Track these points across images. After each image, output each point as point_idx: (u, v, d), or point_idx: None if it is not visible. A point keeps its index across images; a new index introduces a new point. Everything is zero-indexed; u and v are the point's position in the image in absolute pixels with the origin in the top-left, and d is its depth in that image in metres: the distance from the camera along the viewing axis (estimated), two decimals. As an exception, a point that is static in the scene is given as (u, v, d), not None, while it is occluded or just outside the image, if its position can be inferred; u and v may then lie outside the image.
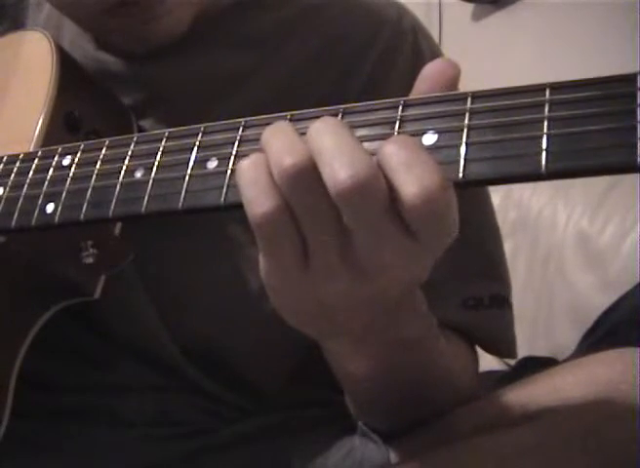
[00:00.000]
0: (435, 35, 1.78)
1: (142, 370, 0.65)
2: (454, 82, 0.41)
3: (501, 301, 0.67)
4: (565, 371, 0.56)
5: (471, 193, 0.66)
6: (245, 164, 0.40)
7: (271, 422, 0.68)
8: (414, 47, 0.68)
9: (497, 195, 1.46)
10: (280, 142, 0.39)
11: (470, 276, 0.66)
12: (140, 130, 0.64)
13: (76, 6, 0.62)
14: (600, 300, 1.00)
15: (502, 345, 0.69)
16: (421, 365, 0.54)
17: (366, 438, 0.64)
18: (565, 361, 0.64)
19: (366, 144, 0.39)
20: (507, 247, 1.37)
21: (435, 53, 0.71)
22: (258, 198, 0.39)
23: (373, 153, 0.38)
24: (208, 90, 0.66)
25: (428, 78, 0.41)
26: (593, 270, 1.15)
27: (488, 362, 0.75)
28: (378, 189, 0.37)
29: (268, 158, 0.39)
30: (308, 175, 0.38)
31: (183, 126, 0.47)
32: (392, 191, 0.37)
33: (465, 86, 0.70)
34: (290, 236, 0.40)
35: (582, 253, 1.18)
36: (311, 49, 0.67)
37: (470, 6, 1.77)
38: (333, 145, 0.38)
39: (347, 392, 0.59)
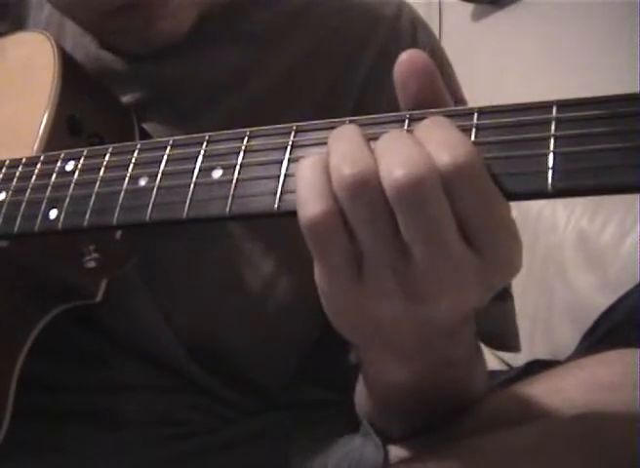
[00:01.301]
0: (435, 35, 1.77)
1: (144, 370, 0.65)
2: (427, 70, 0.41)
3: (503, 293, 0.66)
4: (565, 372, 0.56)
5: None
6: (304, 164, 0.39)
7: (271, 422, 0.68)
8: (411, 45, 0.68)
9: (497, 195, 1.47)
10: (343, 149, 0.38)
11: None
12: (142, 130, 0.64)
13: (77, 8, 0.62)
14: (600, 300, 1.00)
15: (506, 339, 0.68)
16: (460, 381, 0.53)
17: (366, 438, 0.64)
18: (565, 361, 0.64)
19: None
20: (507, 247, 1.37)
21: (435, 48, 0.71)
22: (310, 200, 0.38)
23: None
24: (209, 88, 0.66)
25: (400, 69, 0.41)
26: (593, 270, 1.15)
27: (489, 362, 0.75)
28: (434, 187, 0.36)
29: (329, 163, 0.38)
30: (367, 186, 0.37)
31: (186, 124, 0.47)
32: (450, 197, 0.36)
33: (466, 85, 0.70)
34: (341, 244, 0.38)
35: (582, 253, 1.18)
36: (309, 45, 0.67)
37: (470, 6, 1.77)
38: (391, 147, 0.37)
39: (370, 396, 0.58)
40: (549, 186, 0.35)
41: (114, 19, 0.60)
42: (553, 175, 0.35)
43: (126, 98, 0.66)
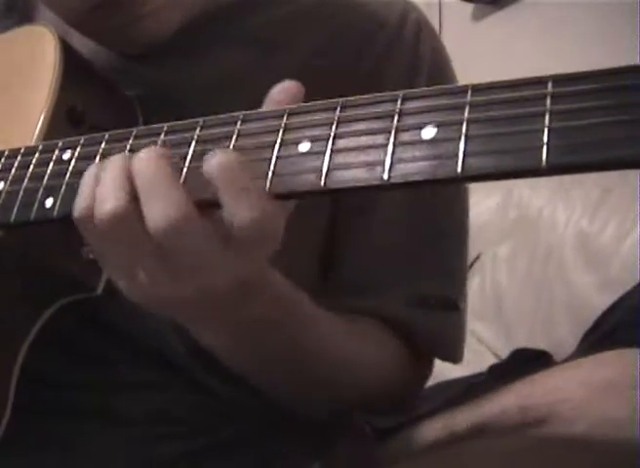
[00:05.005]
0: (435, 35, 1.77)
1: (145, 367, 0.65)
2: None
3: (448, 303, 0.67)
4: (565, 372, 0.56)
5: (441, 193, 0.67)
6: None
7: (271, 422, 0.67)
8: (414, 49, 0.68)
9: (497, 195, 1.47)
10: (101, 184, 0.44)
11: (421, 274, 0.67)
12: (147, 123, 0.64)
13: (57, 7, 0.63)
14: (600, 300, 1.00)
15: (443, 348, 0.69)
16: (290, 343, 0.57)
17: (362, 436, 0.64)
18: (565, 361, 0.63)
19: (364, 138, 0.40)
20: (507, 247, 1.38)
21: (437, 50, 0.70)
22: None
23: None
24: (211, 88, 0.66)
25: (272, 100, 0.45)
26: (593, 270, 1.15)
27: (487, 360, 0.74)
28: (194, 228, 0.42)
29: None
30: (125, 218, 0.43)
31: None
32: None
33: (466, 85, 0.70)
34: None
35: (582, 252, 1.18)
36: (310, 48, 0.67)
37: (470, 6, 1.78)
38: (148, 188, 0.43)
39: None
40: (544, 162, 0.34)
41: (93, 19, 0.61)
42: (548, 150, 0.34)
43: None
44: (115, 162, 0.45)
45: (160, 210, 0.42)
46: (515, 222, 1.35)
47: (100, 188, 0.44)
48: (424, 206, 0.66)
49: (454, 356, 0.69)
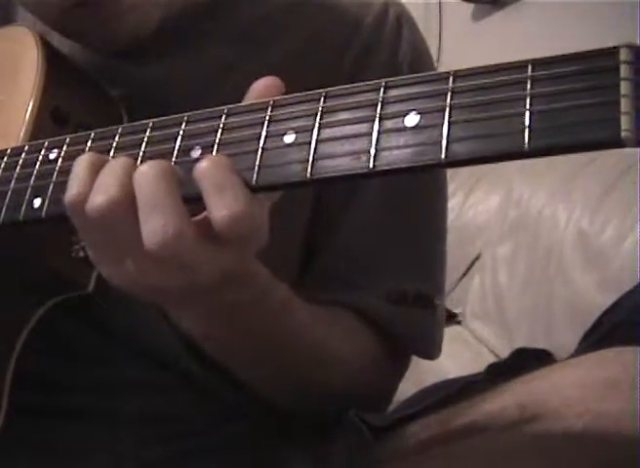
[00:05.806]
0: (435, 35, 1.78)
1: (143, 368, 0.65)
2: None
3: (426, 301, 0.68)
4: (564, 370, 0.55)
5: (420, 189, 0.68)
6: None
7: (270, 421, 0.67)
8: (394, 49, 0.69)
9: (497, 195, 1.47)
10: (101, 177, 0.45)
11: (400, 271, 0.67)
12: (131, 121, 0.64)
13: (37, 7, 0.62)
14: (600, 300, 1.00)
15: (419, 344, 0.69)
16: (268, 329, 0.57)
17: (359, 435, 0.64)
18: (564, 360, 0.63)
19: (348, 127, 0.40)
20: (507, 247, 1.38)
21: (417, 49, 0.71)
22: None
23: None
24: (195, 85, 0.66)
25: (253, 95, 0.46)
26: (593, 270, 1.14)
27: (486, 360, 0.74)
28: (188, 242, 0.43)
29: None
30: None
31: None
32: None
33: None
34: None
35: (582, 253, 1.18)
36: (289, 47, 0.68)
37: (470, 6, 1.78)
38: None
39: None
40: (526, 145, 0.34)
41: (71, 18, 0.61)
42: (530, 133, 0.35)
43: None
44: (120, 163, 0.45)
45: (156, 227, 0.43)
46: (515, 222, 1.35)
47: (99, 179, 0.45)
48: (405, 203, 0.67)
49: (430, 353, 0.70)
